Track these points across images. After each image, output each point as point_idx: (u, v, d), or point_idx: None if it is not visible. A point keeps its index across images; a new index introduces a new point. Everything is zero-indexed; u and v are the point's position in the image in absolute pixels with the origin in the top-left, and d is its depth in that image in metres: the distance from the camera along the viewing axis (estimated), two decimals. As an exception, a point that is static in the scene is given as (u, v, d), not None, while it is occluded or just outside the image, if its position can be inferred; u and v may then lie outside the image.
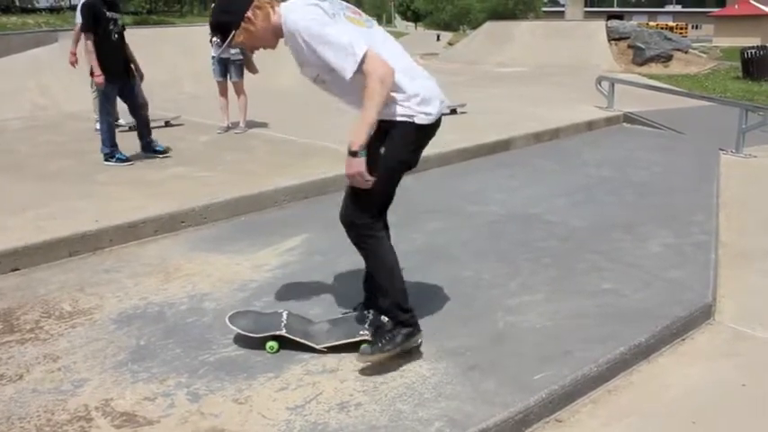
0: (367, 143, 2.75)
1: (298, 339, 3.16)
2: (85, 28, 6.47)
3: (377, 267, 3.10)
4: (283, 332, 3.17)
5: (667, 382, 3.16)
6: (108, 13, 6.47)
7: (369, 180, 2.83)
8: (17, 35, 14.12)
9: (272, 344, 3.19)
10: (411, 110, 2.89)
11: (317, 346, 3.15)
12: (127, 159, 6.80)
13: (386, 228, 3.23)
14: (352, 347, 3.13)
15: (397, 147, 2.94)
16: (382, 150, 2.91)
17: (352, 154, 2.77)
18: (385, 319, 3.06)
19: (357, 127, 2.75)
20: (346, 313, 3.43)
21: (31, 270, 4.39)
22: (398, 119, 2.89)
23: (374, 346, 3.01)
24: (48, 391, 2.95)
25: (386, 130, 2.90)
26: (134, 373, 3.08)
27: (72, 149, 7.60)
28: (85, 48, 6.45)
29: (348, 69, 2.72)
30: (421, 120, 2.91)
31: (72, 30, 9.11)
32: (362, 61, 2.70)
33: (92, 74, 6.60)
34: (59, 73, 8.66)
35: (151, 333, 3.46)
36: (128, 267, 4.40)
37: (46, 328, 3.55)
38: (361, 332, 3.15)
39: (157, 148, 7.06)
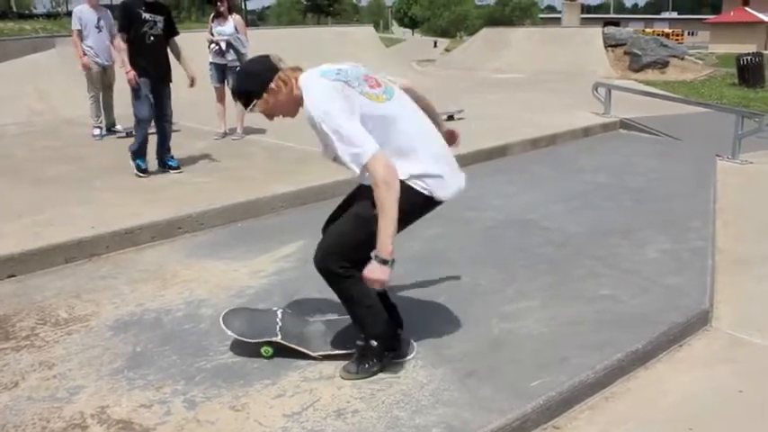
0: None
1: (293, 347, 3.15)
2: (118, 28, 6.44)
3: (348, 301, 3.01)
4: (279, 338, 3.16)
5: (665, 389, 3.16)
6: (145, 15, 6.33)
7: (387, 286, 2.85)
8: (14, 41, 14.09)
9: (266, 348, 3.18)
10: (426, 185, 2.87)
11: (313, 354, 3.14)
12: (144, 171, 6.56)
13: None
14: (348, 355, 3.13)
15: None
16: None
17: (382, 262, 2.71)
18: (374, 342, 3.02)
19: (379, 238, 2.69)
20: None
21: (28, 276, 4.38)
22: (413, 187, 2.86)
23: (360, 366, 3.01)
24: (43, 398, 2.94)
25: None
26: (130, 380, 3.07)
27: (69, 155, 7.59)
28: (117, 46, 6.35)
29: (355, 167, 2.70)
30: (442, 197, 2.93)
31: (69, 36, 9.12)
32: (368, 162, 2.67)
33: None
34: (57, 78, 8.66)
35: (148, 340, 3.45)
36: (124, 274, 4.39)
37: (42, 335, 3.54)
38: (358, 342, 3.10)
39: (171, 163, 6.78)
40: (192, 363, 3.19)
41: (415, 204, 2.87)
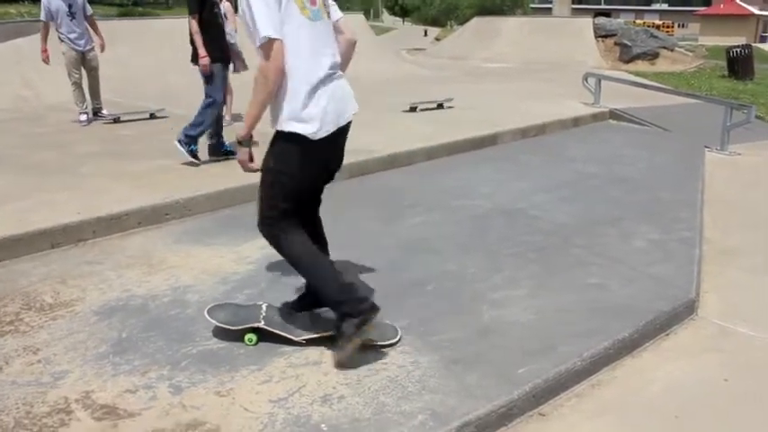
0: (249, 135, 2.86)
1: (276, 332, 3.14)
2: (190, 10, 6.24)
3: (293, 265, 3.04)
4: (262, 324, 3.15)
5: (651, 377, 3.17)
6: None
7: (251, 169, 2.93)
8: None
9: (250, 336, 3.17)
10: (294, 125, 2.81)
11: (296, 338, 3.13)
12: (196, 158, 6.27)
13: (313, 225, 3.25)
14: (333, 340, 3.10)
15: (275, 156, 2.91)
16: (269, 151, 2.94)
17: (239, 143, 2.89)
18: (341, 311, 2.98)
19: (245, 117, 2.82)
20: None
21: (13, 262, 4.33)
22: (279, 129, 2.86)
23: (336, 348, 3.00)
24: (27, 383, 2.91)
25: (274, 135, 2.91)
26: (115, 365, 3.04)
27: (55, 141, 7.51)
28: (191, 29, 6.20)
29: (254, 42, 2.72)
30: (305, 134, 2.82)
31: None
32: (262, 46, 2.68)
33: (194, 59, 6.30)
34: (41, 64, 8.55)
35: (133, 325, 3.42)
36: (111, 259, 4.36)
37: (26, 321, 3.51)
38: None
39: (227, 148, 6.55)
40: (178, 348, 3.17)
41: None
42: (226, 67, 6.54)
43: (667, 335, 3.55)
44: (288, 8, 2.73)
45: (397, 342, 3.17)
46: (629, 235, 4.77)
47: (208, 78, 6.27)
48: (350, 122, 3.02)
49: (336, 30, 3.05)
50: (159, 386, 2.87)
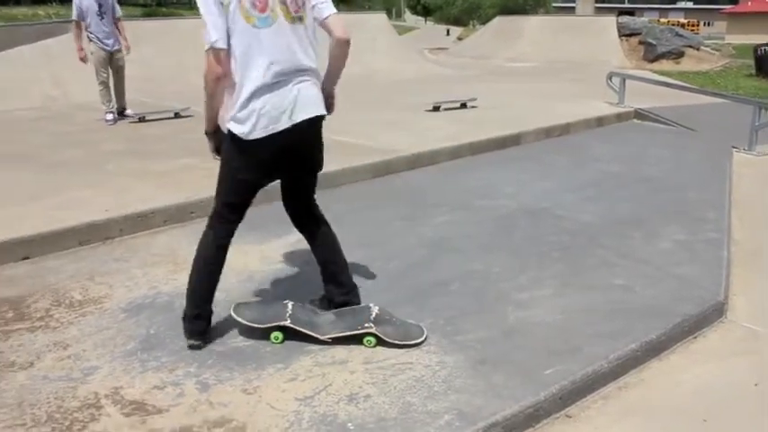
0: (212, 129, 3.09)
1: (302, 330, 3.16)
2: None
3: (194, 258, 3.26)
4: (288, 323, 3.17)
5: (678, 380, 3.14)
6: None
7: (215, 159, 3.18)
8: (28, 26, 14.15)
9: (276, 334, 3.19)
10: (231, 125, 2.97)
11: (321, 337, 3.14)
12: None
13: (309, 225, 3.44)
14: (358, 339, 3.14)
15: (223, 152, 3.12)
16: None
17: (205, 133, 3.12)
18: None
19: None
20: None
21: (42, 258, 4.39)
22: (224, 127, 3.04)
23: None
24: (58, 378, 2.96)
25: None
26: (143, 362, 3.08)
27: (82, 140, 7.61)
28: None
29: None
30: (238, 134, 2.97)
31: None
32: (207, 51, 2.83)
33: None
34: (70, 63, 8.68)
35: (160, 322, 3.46)
36: (137, 257, 4.40)
37: (56, 317, 3.56)
38: (366, 324, 3.14)
39: None
40: (205, 346, 3.20)
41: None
42: None
43: (695, 337, 3.51)
44: (234, 16, 2.84)
45: (422, 342, 3.17)
46: (655, 235, 4.73)
47: None
48: (311, 125, 3.06)
49: (325, 28, 3.05)
50: (186, 383, 2.90)
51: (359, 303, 3.36)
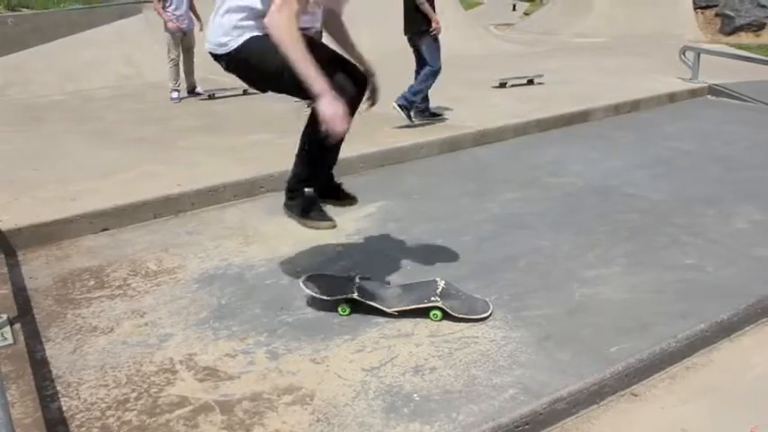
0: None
1: (369, 303, 3.21)
2: None
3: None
4: (355, 295, 3.23)
5: (750, 362, 3.07)
6: None
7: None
8: (103, 8, 14.62)
9: (344, 306, 3.26)
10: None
11: (388, 310, 3.19)
12: (413, 121, 6.86)
13: None
14: (424, 313, 3.17)
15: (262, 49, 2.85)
16: None
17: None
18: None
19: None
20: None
21: (119, 231, 4.59)
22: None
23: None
24: (136, 343, 3.11)
25: None
26: (215, 330, 3.20)
27: (155, 117, 7.85)
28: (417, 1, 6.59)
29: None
30: None
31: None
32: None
33: (407, 30, 6.74)
34: (143, 43, 8.96)
35: (231, 293, 3.58)
36: (209, 230, 4.55)
37: (133, 285, 3.72)
38: (432, 298, 3.17)
39: (436, 112, 7.12)
40: (275, 316, 3.30)
41: None
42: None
43: (770, 319, 3.42)
44: None
45: (487, 317, 3.19)
46: (729, 215, 4.59)
47: (433, 46, 6.68)
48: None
49: None
50: (257, 352, 3.00)
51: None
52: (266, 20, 2.71)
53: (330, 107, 2.71)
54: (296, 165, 3.20)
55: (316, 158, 3.14)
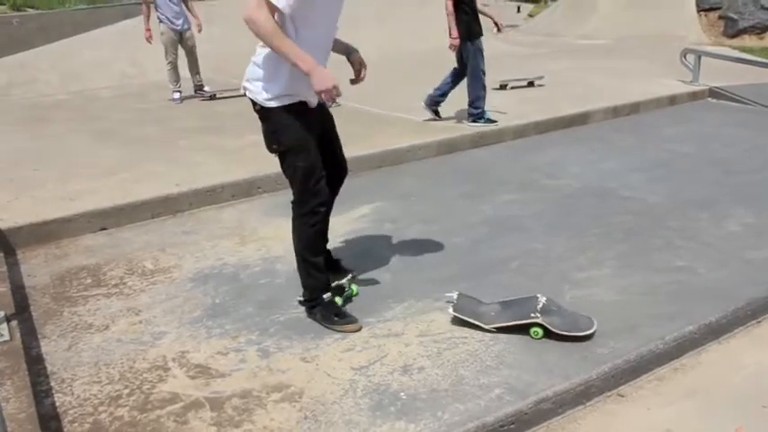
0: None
1: (467, 319, 3.14)
2: None
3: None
4: (451, 311, 3.18)
5: (738, 364, 3.09)
6: None
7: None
8: (107, 8, 14.70)
9: (336, 299, 3.31)
10: None
11: (486, 326, 3.11)
12: (492, 121, 6.99)
13: None
14: (525, 330, 3.08)
15: None
16: None
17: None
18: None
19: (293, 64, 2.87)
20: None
21: (118, 230, 4.64)
22: None
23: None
24: (130, 341, 3.15)
25: None
26: (209, 328, 3.24)
27: (157, 117, 7.91)
28: (447, 10, 6.68)
29: None
30: None
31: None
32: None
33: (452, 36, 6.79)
34: (145, 44, 8.98)
35: (226, 292, 3.62)
36: (206, 230, 4.59)
37: (129, 284, 3.77)
38: (532, 315, 3.06)
39: (488, 117, 7.08)
40: (267, 315, 3.34)
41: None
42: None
43: (759, 322, 3.43)
44: None
45: (592, 334, 3.05)
46: (723, 218, 4.61)
47: (474, 51, 6.78)
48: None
49: None
50: (248, 350, 3.04)
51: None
52: (244, 15, 2.76)
53: (321, 82, 2.84)
54: (303, 278, 3.27)
55: (313, 260, 3.22)
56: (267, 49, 2.92)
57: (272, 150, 3.18)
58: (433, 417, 2.53)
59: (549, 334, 3.05)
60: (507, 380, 2.75)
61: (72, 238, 4.48)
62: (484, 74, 6.87)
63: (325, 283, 3.25)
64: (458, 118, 7.14)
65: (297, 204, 3.19)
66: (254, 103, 3.11)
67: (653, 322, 3.18)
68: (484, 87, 6.93)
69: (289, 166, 3.15)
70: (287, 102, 3.01)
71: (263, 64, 3.00)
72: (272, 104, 3.02)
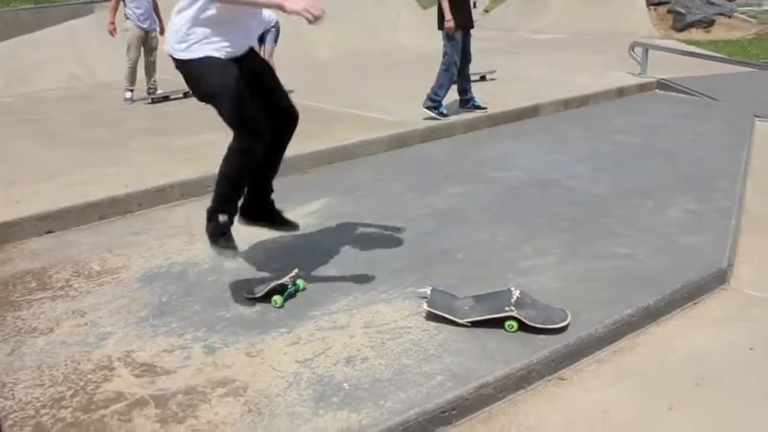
0: None
1: (440, 314, 3.14)
2: None
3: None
4: (425, 306, 3.20)
5: (674, 345, 3.19)
6: None
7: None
8: (54, 7, 14.38)
9: (275, 298, 3.34)
10: None
11: (460, 321, 3.11)
12: (444, 115, 7.14)
13: None
14: (500, 324, 3.08)
15: None
16: None
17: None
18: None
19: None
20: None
21: (64, 232, 4.57)
22: None
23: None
24: (75, 343, 3.13)
25: None
26: (155, 327, 3.23)
27: (106, 118, 7.79)
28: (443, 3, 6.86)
29: None
30: None
31: (107, 0, 9.23)
32: None
33: (440, 25, 7.03)
34: (95, 44, 8.86)
35: (173, 291, 3.61)
36: (155, 230, 4.56)
37: (75, 286, 3.73)
38: (506, 308, 3.06)
39: (476, 104, 7.41)
40: (214, 312, 3.34)
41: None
42: (466, 34, 7.27)
43: (695, 304, 3.55)
44: None
45: (566, 326, 3.06)
46: (665, 206, 4.74)
47: (450, 41, 6.98)
48: None
49: None
50: (194, 347, 3.04)
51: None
52: None
53: (297, 2, 2.99)
54: (216, 188, 3.49)
55: (231, 184, 3.46)
56: (182, 14, 3.17)
57: (201, 100, 3.42)
58: (374, 405, 2.57)
59: (523, 327, 3.04)
60: (449, 367, 2.80)
61: (17, 242, 4.41)
62: (456, 67, 7.11)
63: (232, 206, 3.46)
64: (405, 114, 7.19)
65: (234, 138, 3.36)
66: (174, 60, 3.30)
67: (593, 308, 3.27)
68: (451, 80, 7.14)
69: (219, 112, 3.34)
70: (200, 54, 3.19)
71: (178, 24, 3.21)
72: (188, 56, 3.22)
